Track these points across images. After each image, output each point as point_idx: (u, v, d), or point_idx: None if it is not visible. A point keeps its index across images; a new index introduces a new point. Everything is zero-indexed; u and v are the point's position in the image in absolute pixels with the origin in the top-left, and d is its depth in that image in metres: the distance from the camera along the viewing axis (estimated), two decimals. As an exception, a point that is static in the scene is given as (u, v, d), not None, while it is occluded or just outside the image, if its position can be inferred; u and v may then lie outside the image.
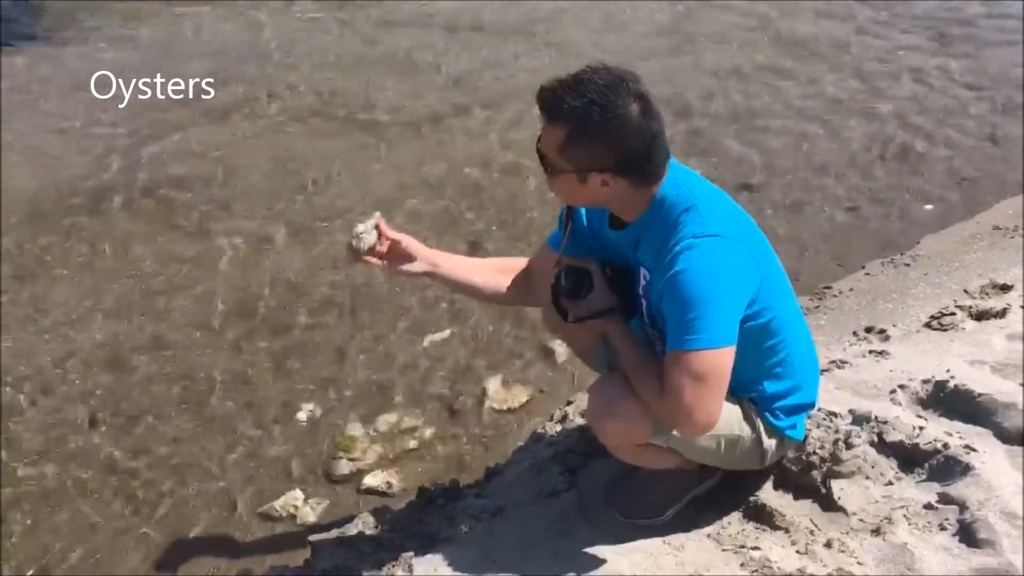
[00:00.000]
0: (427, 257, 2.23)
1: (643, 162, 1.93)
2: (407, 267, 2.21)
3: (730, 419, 2.07)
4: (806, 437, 2.31)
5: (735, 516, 2.28)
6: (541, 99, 1.93)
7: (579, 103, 1.87)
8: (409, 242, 2.21)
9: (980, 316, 3.18)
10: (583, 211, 2.20)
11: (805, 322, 2.28)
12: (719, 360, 1.87)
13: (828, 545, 2.17)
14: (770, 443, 2.18)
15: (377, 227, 2.16)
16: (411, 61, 6.21)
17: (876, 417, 2.46)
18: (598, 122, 1.87)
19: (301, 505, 2.86)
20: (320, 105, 5.61)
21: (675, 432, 2.01)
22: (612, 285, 2.10)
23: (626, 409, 2.01)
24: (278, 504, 2.86)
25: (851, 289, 3.73)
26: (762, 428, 2.15)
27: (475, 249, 4.12)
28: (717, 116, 5.37)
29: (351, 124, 5.40)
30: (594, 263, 2.13)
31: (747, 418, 2.13)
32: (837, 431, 2.39)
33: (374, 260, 2.17)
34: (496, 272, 2.37)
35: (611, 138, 1.89)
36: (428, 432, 3.15)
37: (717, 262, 1.88)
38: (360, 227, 2.14)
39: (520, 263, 2.40)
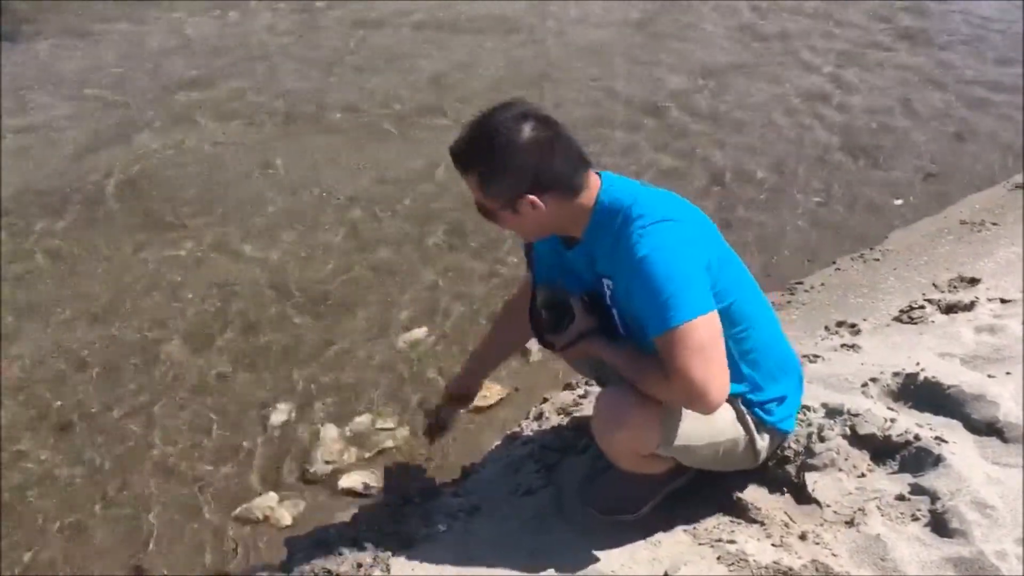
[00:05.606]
0: (469, 384, 2.67)
1: (556, 171, 1.97)
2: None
3: (725, 424, 2.09)
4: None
5: (711, 510, 2.30)
6: (452, 159, 2.02)
7: (473, 145, 1.97)
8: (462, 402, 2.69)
9: (949, 309, 3.22)
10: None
11: (775, 316, 2.29)
12: (708, 325, 1.88)
13: (803, 537, 2.19)
14: (763, 442, 2.19)
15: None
16: (387, 60, 6.19)
17: (848, 410, 2.48)
18: (495, 151, 1.94)
19: (277, 507, 2.83)
20: (295, 105, 5.57)
21: (682, 422, 2.02)
22: (590, 310, 2.12)
23: (635, 419, 2.00)
24: (253, 506, 2.83)
25: (822, 284, 3.76)
26: (754, 427, 2.16)
27: (454, 244, 4.13)
28: (687, 112, 5.40)
29: (327, 123, 5.37)
30: (571, 294, 2.15)
31: (740, 419, 2.14)
32: (810, 424, 2.42)
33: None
34: (511, 323, 2.52)
35: (513, 161, 1.94)
36: (404, 432, 3.14)
37: (671, 241, 1.92)
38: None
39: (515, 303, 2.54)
